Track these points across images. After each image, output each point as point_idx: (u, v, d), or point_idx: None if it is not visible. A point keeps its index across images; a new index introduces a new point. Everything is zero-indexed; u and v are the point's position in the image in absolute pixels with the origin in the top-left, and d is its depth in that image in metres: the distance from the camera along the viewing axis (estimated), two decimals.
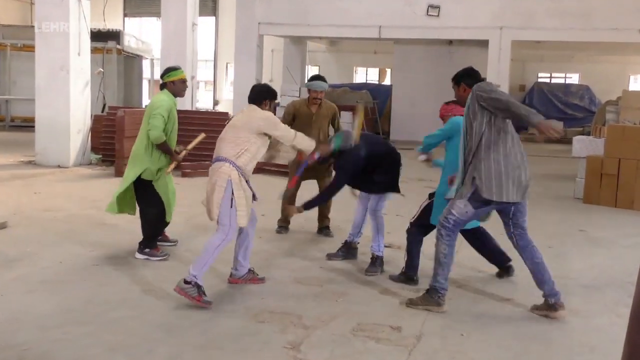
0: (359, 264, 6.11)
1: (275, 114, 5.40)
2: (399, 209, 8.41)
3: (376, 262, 5.92)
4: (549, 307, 4.89)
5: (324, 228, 7.29)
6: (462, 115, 5.57)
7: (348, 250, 6.27)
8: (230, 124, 5.21)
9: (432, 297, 4.88)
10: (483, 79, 4.99)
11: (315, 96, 6.85)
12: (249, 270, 5.44)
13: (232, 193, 4.89)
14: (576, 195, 10.39)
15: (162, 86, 6.14)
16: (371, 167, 5.76)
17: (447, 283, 4.91)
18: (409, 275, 5.64)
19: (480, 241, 5.85)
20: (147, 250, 6.07)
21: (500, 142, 4.70)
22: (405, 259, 5.68)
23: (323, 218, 7.31)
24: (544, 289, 4.94)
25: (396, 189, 6.00)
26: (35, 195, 9.09)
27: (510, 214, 4.91)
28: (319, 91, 6.83)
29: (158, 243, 6.24)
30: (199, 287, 4.83)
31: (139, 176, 6.00)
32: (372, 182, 5.87)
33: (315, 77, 6.97)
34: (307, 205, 5.75)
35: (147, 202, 6.12)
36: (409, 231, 5.70)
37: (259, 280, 5.45)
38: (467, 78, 5.03)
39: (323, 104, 7.05)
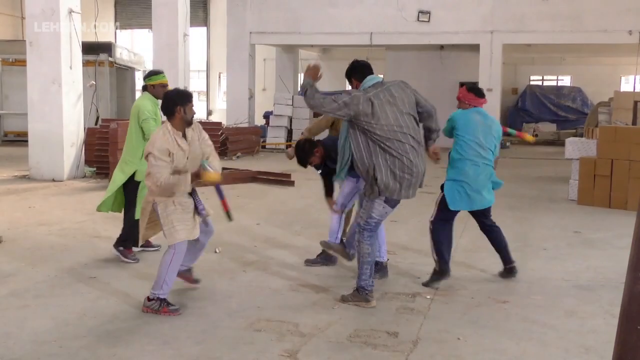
0: (355, 271, 6.10)
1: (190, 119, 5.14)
2: (393, 215, 8.43)
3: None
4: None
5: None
6: (476, 107, 5.71)
7: (327, 256, 6.29)
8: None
9: (361, 294, 5.08)
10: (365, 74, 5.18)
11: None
12: (189, 269, 5.42)
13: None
14: (570, 196, 10.42)
15: (144, 88, 6.35)
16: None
17: (372, 280, 5.14)
18: (442, 270, 5.64)
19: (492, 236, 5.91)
20: (120, 248, 6.36)
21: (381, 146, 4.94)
22: (436, 258, 5.67)
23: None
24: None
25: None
26: (29, 209, 9.08)
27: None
28: None
29: (142, 248, 6.38)
30: (161, 300, 4.87)
31: (130, 177, 6.28)
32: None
33: None
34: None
35: (132, 202, 6.33)
36: (432, 230, 5.71)
37: (193, 282, 5.46)
38: (355, 73, 5.25)
39: None
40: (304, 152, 5.94)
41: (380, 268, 5.83)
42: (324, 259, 6.29)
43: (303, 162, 5.99)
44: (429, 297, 5.35)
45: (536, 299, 5.38)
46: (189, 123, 4.92)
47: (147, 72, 6.56)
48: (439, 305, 5.17)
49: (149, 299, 4.91)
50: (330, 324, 4.68)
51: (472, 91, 5.82)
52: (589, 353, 4.29)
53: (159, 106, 6.32)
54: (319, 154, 5.92)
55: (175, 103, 4.84)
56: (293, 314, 4.88)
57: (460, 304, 5.23)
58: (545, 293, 5.55)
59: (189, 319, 4.78)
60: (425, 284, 5.63)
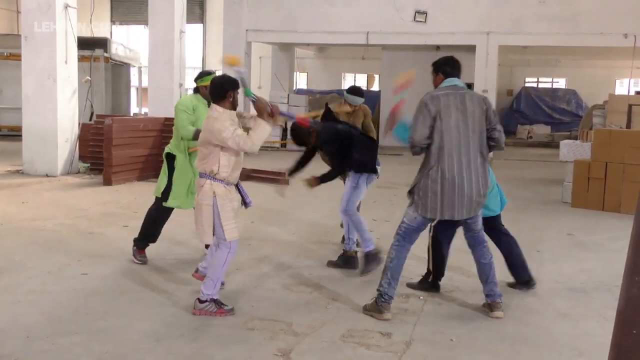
0: (350, 271, 6.10)
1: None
2: (390, 215, 8.45)
3: (368, 258, 5.99)
4: (487, 305, 5.02)
5: None
6: None
7: (345, 259, 6.24)
8: (202, 131, 4.89)
9: (377, 304, 4.82)
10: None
11: (350, 109, 7.11)
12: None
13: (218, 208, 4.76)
14: (564, 199, 10.44)
15: (196, 90, 6.23)
16: (347, 143, 5.96)
17: (392, 289, 4.82)
18: (434, 282, 5.53)
19: (506, 249, 5.67)
20: (134, 247, 6.17)
21: (445, 156, 4.67)
22: (430, 266, 5.58)
23: None
24: (485, 288, 5.04)
25: (374, 170, 6.10)
26: (23, 204, 9.04)
27: (462, 221, 4.97)
28: (353, 105, 7.11)
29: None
30: (215, 301, 4.80)
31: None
32: (351, 159, 6.01)
33: (353, 92, 7.15)
34: (323, 179, 5.99)
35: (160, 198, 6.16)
36: (432, 238, 5.53)
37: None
38: (447, 67, 5.16)
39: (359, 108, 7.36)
40: (300, 131, 6.07)
41: (347, 259, 6.12)
42: (344, 261, 6.22)
43: (300, 141, 6.17)
44: (422, 298, 5.35)
45: (529, 301, 5.39)
46: (235, 107, 4.94)
47: (199, 73, 6.34)
48: (432, 307, 5.16)
49: (200, 301, 4.79)
50: (323, 324, 4.67)
51: None
52: (582, 356, 4.30)
53: (206, 105, 6.13)
54: (314, 134, 6.02)
55: (227, 88, 4.85)
56: (287, 313, 4.87)
57: (454, 305, 5.23)
58: (538, 295, 5.55)
59: (182, 317, 4.77)
60: (410, 286, 5.58)
